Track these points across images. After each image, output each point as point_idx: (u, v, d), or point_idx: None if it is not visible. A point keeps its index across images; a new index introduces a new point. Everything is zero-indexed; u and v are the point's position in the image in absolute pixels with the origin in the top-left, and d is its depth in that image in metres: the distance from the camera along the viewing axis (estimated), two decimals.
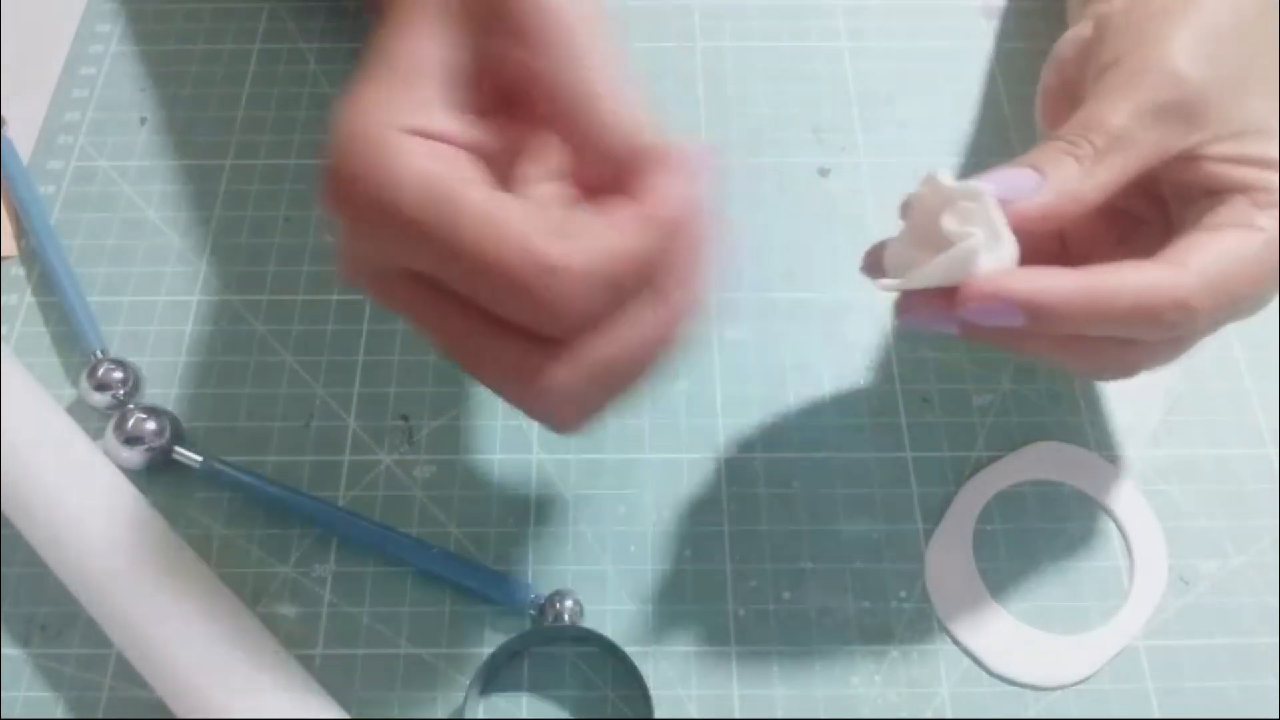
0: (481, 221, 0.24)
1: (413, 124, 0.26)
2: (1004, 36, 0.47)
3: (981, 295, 0.27)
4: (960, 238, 0.28)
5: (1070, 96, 0.32)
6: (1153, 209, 0.33)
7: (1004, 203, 0.28)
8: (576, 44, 0.27)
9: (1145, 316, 0.28)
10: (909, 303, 0.30)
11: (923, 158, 0.43)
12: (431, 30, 0.27)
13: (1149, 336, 0.29)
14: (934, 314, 0.29)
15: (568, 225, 0.25)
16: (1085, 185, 0.29)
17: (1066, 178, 0.29)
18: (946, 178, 0.28)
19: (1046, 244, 0.32)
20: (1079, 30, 0.33)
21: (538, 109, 0.27)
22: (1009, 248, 0.28)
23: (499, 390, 0.28)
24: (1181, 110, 0.29)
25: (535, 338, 0.26)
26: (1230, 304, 0.28)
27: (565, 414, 0.28)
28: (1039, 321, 0.28)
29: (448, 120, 0.26)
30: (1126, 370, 0.31)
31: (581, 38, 0.27)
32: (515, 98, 0.28)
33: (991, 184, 0.28)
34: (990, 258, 0.28)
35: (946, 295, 0.28)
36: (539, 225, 0.24)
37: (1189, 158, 0.30)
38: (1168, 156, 0.30)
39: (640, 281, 0.26)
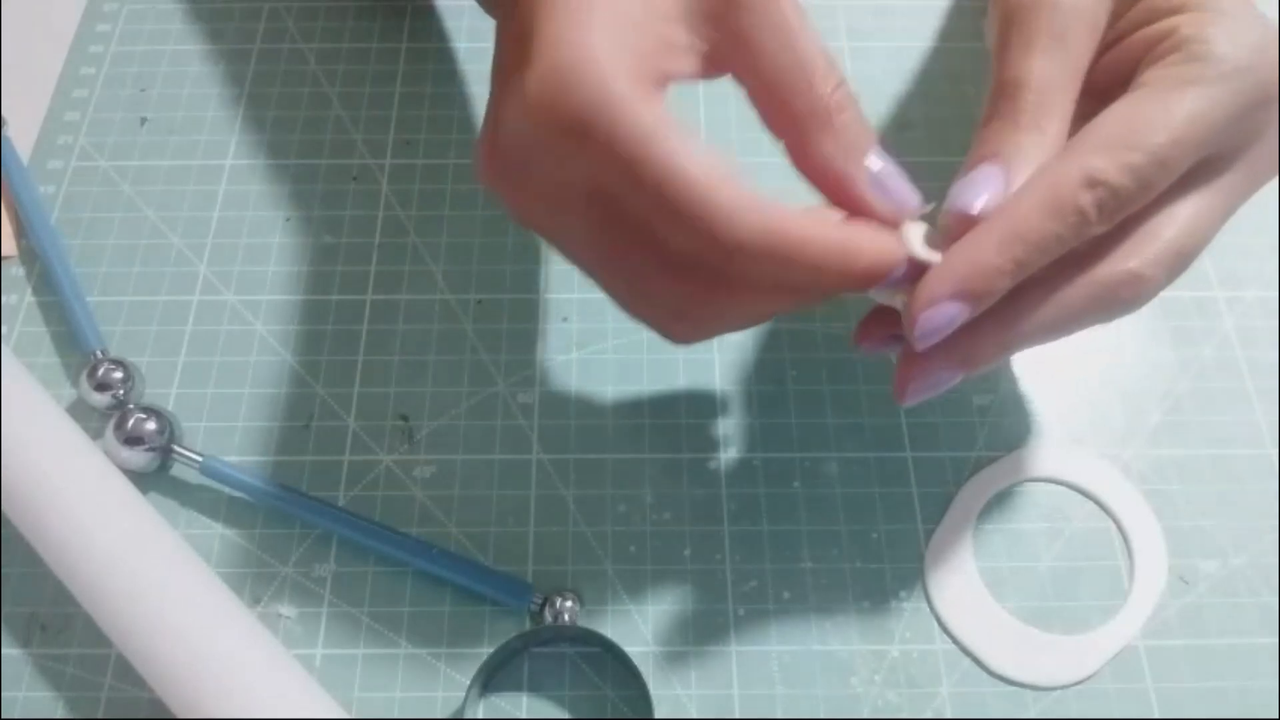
0: (698, 165, 0.26)
1: (655, 68, 0.28)
2: None
3: (920, 310, 0.27)
4: None
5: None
6: None
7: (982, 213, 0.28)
8: (798, 31, 0.29)
9: (1062, 207, 0.27)
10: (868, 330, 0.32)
11: (923, 158, 0.43)
12: None
13: (1093, 228, 0.27)
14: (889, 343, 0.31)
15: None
16: (1046, 145, 0.29)
17: (1029, 150, 0.29)
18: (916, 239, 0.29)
19: None
20: None
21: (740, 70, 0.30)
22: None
23: (639, 312, 0.30)
24: (1077, 26, 0.30)
25: (689, 273, 0.28)
26: (1152, 157, 0.27)
27: (690, 340, 0.30)
28: (980, 300, 0.27)
29: (675, 59, 0.29)
30: (1137, 291, 0.29)
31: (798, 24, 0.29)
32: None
33: (964, 196, 0.28)
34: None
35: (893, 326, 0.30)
36: (750, 192, 0.26)
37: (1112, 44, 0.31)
38: (1090, 61, 0.30)
39: (803, 269, 0.27)
